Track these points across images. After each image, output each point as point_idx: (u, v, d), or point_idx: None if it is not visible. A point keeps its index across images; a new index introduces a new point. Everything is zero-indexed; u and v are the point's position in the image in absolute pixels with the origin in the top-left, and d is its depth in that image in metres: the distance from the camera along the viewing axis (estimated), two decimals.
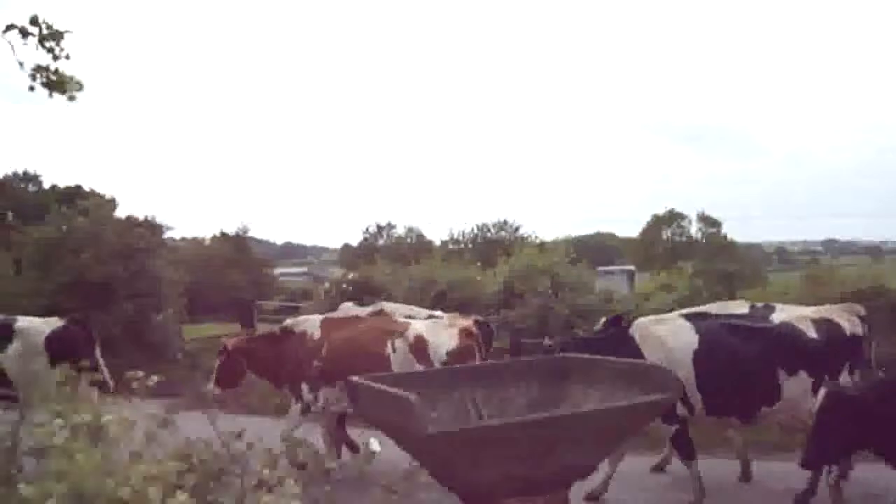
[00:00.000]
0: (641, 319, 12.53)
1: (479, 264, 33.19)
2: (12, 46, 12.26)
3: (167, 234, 34.87)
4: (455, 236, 77.77)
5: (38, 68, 12.38)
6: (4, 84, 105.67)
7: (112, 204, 36.89)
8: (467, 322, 13.31)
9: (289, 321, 14.47)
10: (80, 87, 12.89)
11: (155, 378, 5.05)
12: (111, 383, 12.69)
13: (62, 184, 63.92)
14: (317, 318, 14.00)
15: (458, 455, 6.60)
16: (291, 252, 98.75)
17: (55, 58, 12.70)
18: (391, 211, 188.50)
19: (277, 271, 64.38)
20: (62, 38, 12.60)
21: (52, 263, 29.97)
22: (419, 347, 12.71)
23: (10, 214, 50.38)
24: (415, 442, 6.70)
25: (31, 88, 12.94)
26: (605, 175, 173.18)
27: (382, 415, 7.12)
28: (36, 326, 14.58)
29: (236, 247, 42.13)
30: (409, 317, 14.27)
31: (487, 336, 13.78)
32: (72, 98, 13.04)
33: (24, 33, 12.62)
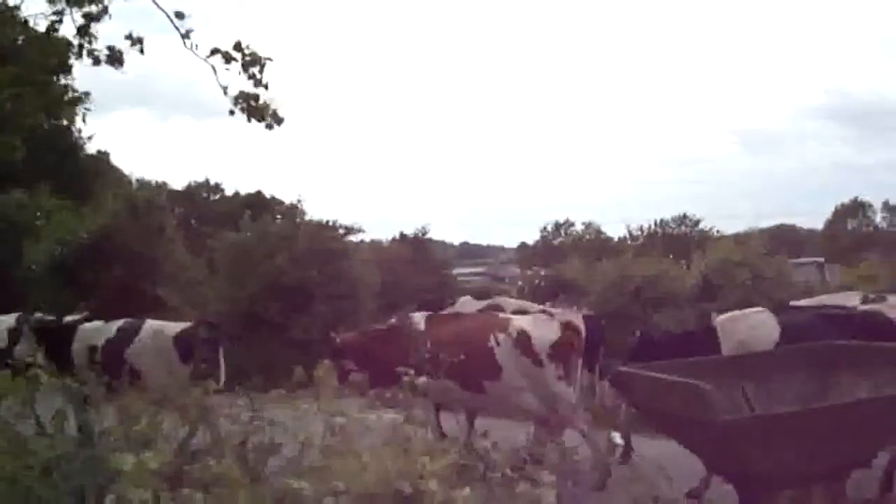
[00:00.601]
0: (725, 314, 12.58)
1: (671, 258, 32.78)
2: (215, 70, 12.99)
3: (358, 237, 35.73)
4: (633, 232, 76.48)
5: (242, 95, 13.06)
6: (192, 101, 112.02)
7: (301, 208, 38.55)
8: (571, 316, 13.57)
9: (394, 319, 14.97)
10: (278, 119, 13.47)
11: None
12: (220, 385, 13.55)
13: (243, 191, 67.08)
14: (422, 315, 14.31)
15: (748, 443, 6.68)
16: (468, 252, 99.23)
17: (256, 84, 13.33)
18: (566, 208, 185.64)
19: (455, 272, 65.19)
20: (264, 65, 13.23)
21: (247, 268, 31.03)
22: (522, 340, 12.87)
23: (193, 222, 53.30)
24: (705, 430, 6.81)
25: (232, 113, 13.61)
26: (779, 164, 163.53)
27: (664, 404, 7.26)
28: (165, 327, 15.63)
29: (416, 248, 42.93)
30: (522, 311, 14.65)
31: (599, 331, 14.07)
32: (269, 127, 13.65)
33: (228, 58, 13.33)
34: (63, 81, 19.68)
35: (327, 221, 34.00)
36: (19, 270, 29.74)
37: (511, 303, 16.69)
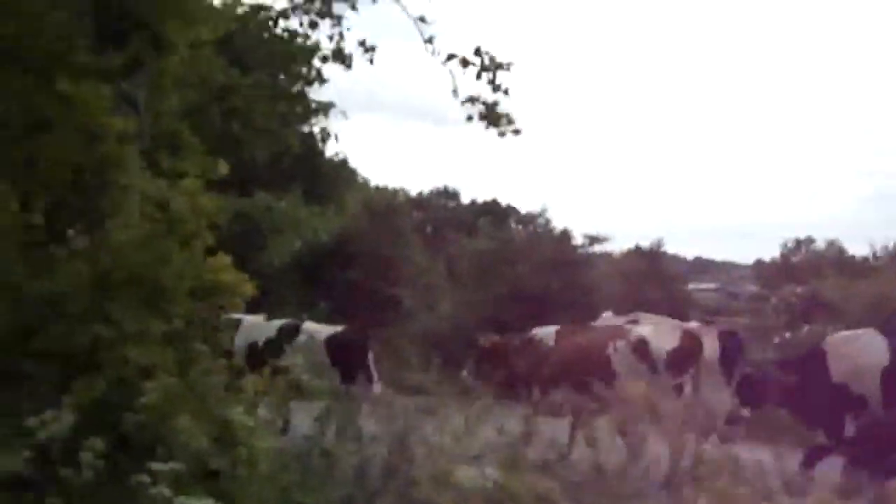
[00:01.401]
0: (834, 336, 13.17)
1: None
2: (452, 75, 13.03)
3: (598, 247, 35.59)
4: (877, 251, 70.45)
5: (477, 100, 13.03)
6: (428, 107, 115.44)
7: (545, 216, 38.83)
8: (694, 326, 14.74)
9: (533, 331, 16.18)
10: (515, 130, 13.37)
11: None
12: (377, 387, 14.83)
13: (480, 199, 68.39)
14: (552, 329, 15.60)
15: None
16: (701, 267, 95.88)
17: (495, 90, 13.25)
18: (802, 225, 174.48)
19: (689, 287, 63.67)
20: (502, 70, 13.12)
21: (489, 275, 31.67)
22: (640, 348, 13.66)
23: (429, 228, 54.72)
24: None
25: (469, 119, 13.64)
26: None
27: None
28: (318, 330, 16.72)
29: (650, 261, 42.13)
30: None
31: (737, 347, 14.44)
32: (502, 134, 13.58)
33: (465, 63, 13.33)
34: (305, 87, 20.62)
35: (569, 230, 34.11)
36: (262, 268, 31.41)
37: (652, 318, 17.04)
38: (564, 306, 30.07)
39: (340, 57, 16.67)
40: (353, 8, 15.44)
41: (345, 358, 15.76)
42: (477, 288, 32.22)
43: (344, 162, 40.14)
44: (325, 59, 18.47)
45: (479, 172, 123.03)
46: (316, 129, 23.61)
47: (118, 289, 7.86)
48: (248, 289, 8.73)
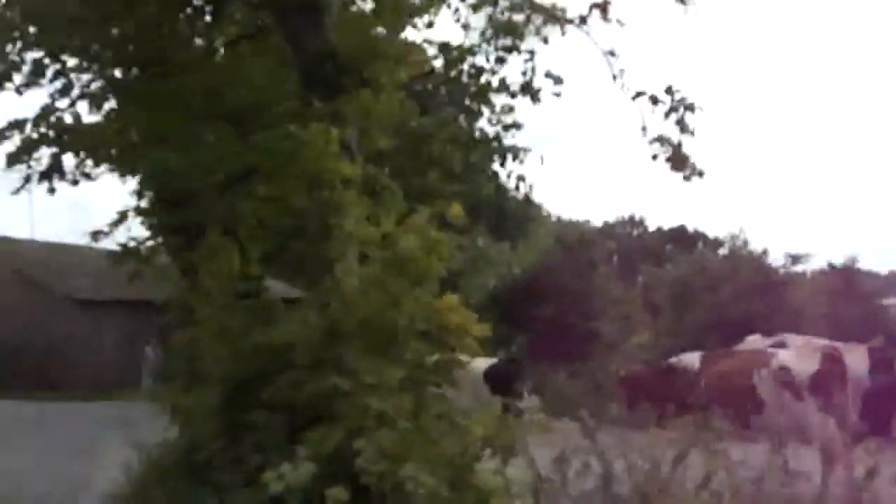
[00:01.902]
0: None
1: None
2: (641, 112, 12.86)
3: (799, 266, 34.40)
4: None
5: (661, 139, 12.84)
6: (608, 139, 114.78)
7: (742, 239, 37.79)
8: (832, 347, 14.23)
9: (673, 359, 16.17)
10: (698, 172, 13.10)
11: None
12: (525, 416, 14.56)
13: (666, 225, 67.26)
14: (696, 355, 15.48)
15: None
16: None
17: (682, 130, 13.01)
18: None
19: (886, 302, 60.70)
20: (692, 111, 12.87)
21: (687, 302, 31.18)
22: (782, 375, 13.43)
23: (615, 258, 54.24)
24: None
25: (654, 158, 13.46)
26: None
27: None
28: (478, 362, 16.92)
29: (845, 279, 40.26)
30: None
31: (889, 361, 14.14)
32: (687, 178, 13.31)
33: (655, 101, 13.13)
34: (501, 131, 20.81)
35: (767, 251, 33.41)
36: None
37: (797, 339, 17.11)
38: (766, 329, 29.22)
39: (529, 90, 16.67)
40: (545, 42, 15.47)
41: (502, 386, 16.46)
42: (676, 316, 31.62)
43: (528, 197, 40.35)
44: (513, 95, 18.59)
45: (659, 198, 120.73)
46: (507, 173, 23.78)
47: (349, 336, 7.82)
48: (479, 329, 8.53)
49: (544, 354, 27.56)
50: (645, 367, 17.47)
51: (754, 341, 18.01)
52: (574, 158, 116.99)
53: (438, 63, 17.35)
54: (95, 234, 13.44)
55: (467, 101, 21.79)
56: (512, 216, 35.84)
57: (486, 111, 20.96)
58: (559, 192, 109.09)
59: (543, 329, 28.20)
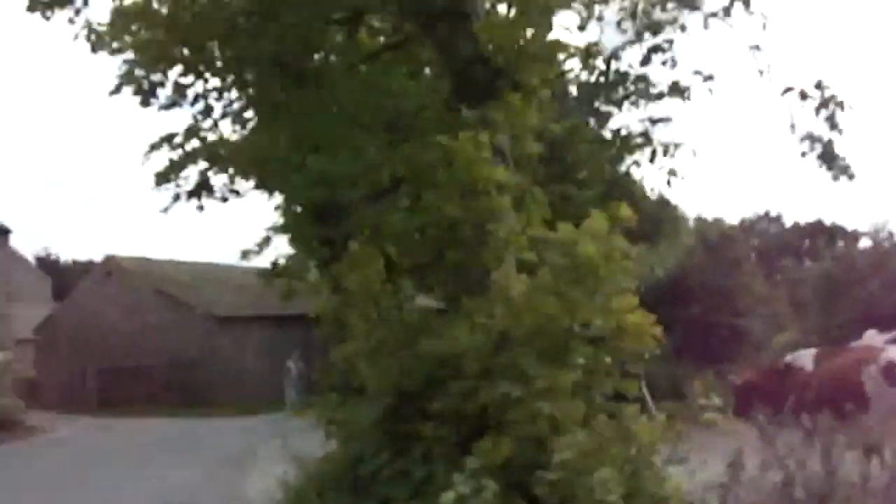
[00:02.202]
0: None
1: None
2: (789, 108, 12.42)
3: None
4: None
5: (811, 137, 12.39)
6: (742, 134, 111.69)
7: (886, 230, 36.25)
8: None
9: (788, 356, 15.87)
10: (849, 174, 12.63)
11: None
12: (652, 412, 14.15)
13: (803, 220, 65.54)
14: (810, 352, 15.27)
15: None
16: None
17: (831, 127, 12.54)
18: None
19: None
20: (841, 108, 12.38)
21: (836, 298, 30.24)
22: (889, 371, 13.38)
23: (752, 254, 52.99)
24: None
25: (803, 155, 12.99)
26: None
27: None
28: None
29: None
30: None
31: None
32: (835, 178, 12.78)
33: (804, 96, 12.69)
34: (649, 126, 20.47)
35: None
36: None
37: None
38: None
39: (678, 90, 16.32)
40: (682, 30, 15.12)
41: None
42: (823, 312, 30.55)
43: (662, 196, 39.73)
44: (660, 96, 18.24)
45: (785, 193, 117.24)
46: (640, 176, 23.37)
47: (519, 343, 7.68)
48: (657, 332, 8.27)
49: (691, 355, 26.98)
50: (759, 370, 16.99)
51: (870, 337, 17.22)
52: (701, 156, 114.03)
53: (571, 64, 17.17)
54: (245, 254, 13.73)
55: (598, 104, 21.55)
56: (649, 216, 35.25)
57: (628, 108, 20.64)
58: (688, 190, 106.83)
59: (690, 329, 27.57)
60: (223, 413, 33.39)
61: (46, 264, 71.77)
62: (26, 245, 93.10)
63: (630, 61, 17.21)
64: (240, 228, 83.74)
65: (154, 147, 11.20)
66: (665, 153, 19.41)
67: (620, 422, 7.71)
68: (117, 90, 11.18)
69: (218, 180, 11.83)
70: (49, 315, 44.70)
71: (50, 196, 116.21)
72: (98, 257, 46.23)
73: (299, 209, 11.92)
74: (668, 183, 19.92)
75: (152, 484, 17.06)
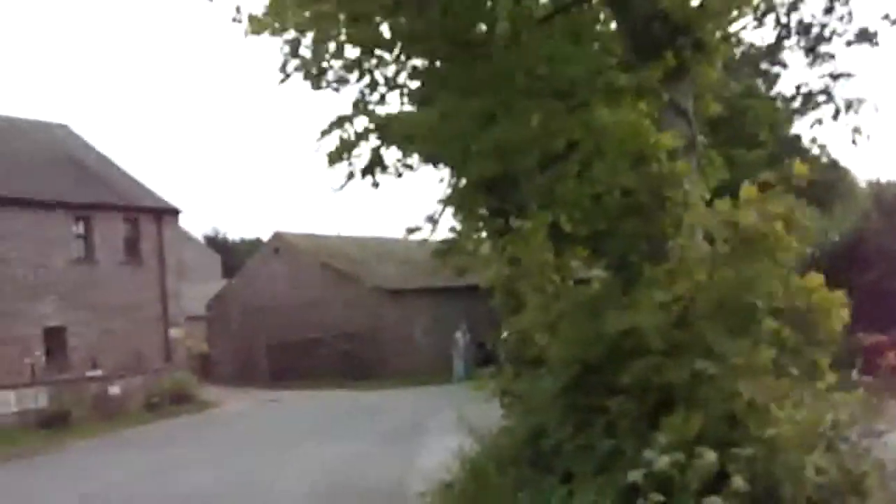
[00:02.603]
0: None
1: None
2: None
3: None
4: None
5: None
6: None
7: None
8: None
9: None
10: None
11: None
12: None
13: None
14: None
15: None
16: None
17: None
18: None
19: None
20: None
21: None
22: None
23: None
24: None
25: None
26: None
27: None
28: None
29: None
30: None
31: None
32: None
33: None
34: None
35: None
36: None
37: None
38: None
39: (865, 36, 15.43)
40: None
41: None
42: None
43: (834, 159, 38.18)
44: (848, 44, 17.34)
45: None
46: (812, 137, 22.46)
47: (702, 317, 7.42)
48: (844, 310, 7.88)
49: (867, 322, 25.73)
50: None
51: None
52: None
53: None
54: (411, 230, 13.78)
55: (762, 65, 20.69)
56: (822, 179, 33.88)
57: (808, 65, 19.68)
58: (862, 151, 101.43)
59: (867, 296, 26.26)
60: (392, 385, 34.13)
61: (216, 243, 74.91)
62: (196, 225, 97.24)
63: (811, 11, 16.40)
64: (407, 202, 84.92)
65: (325, 132, 11.33)
66: (848, 110, 18.44)
67: (817, 397, 7.40)
68: (286, 77, 11.35)
69: (390, 156, 11.88)
70: (219, 292, 46.79)
71: (219, 176, 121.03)
72: (266, 235, 47.80)
73: (467, 181, 11.89)
74: (854, 142, 18.91)
75: (326, 455, 17.53)
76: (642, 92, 9.02)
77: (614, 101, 9.21)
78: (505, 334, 11.15)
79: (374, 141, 11.49)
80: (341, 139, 11.53)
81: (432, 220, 13.34)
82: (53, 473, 18.77)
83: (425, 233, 13.04)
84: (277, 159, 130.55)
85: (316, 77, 11.52)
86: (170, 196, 34.76)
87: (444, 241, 13.00)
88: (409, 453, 16.79)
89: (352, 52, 11.32)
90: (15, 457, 21.46)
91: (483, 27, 10.32)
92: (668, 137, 8.42)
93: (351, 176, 11.66)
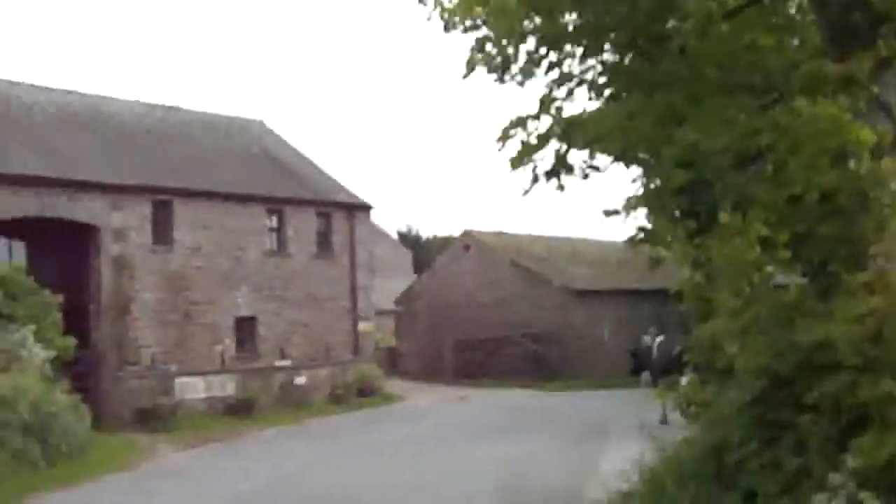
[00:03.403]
0: None
1: None
2: None
3: None
4: None
5: None
6: None
7: None
8: None
9: None
10: None
11: None
12: None
13: None
14: None
15: None
16: None
17: None
18: None
19: None
20: None
21: None
22: None
23: None
24: None
25: None
26: None
27: None
28: None
29: None
30: None
31: None
32: None
33: None
34: None
35: None
36: None
37: None
38: None
39: None
40: None
41: None
42: None
43: None
44: None
45: None
46: None
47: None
48: None
49: None
50: None
51: None
52: None
53: None
54: (607, 212, 13.50)
55: None
56: None
57: None
58: None
59: None
60: (577, 387, 34.00)
61: (408, 239, 76.47)
62: (389, 221, 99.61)
63: None
64: (595, 201, 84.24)
65: (506, 133, 11.31)
66: None
67: None
68: (470, 70, 11.43)
69: (576, 157, 11.74)
70: (409, 287, 47.90)
71: (413, 174, 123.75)
72: (457, 232, 48.43)
73: (660, 181, 11.61)
74: None
75: (507, 454, 17.61)
76: (846, 84, 8.55)
77: (813, 94, 8.76)
78: (693, 341, 10.87)
79: (557, 143, 11.41)
80: (522, 143, 11.49)
81: (629, 206, 13.06)
82: (240, 458, 19.79)
83: (620, 219, 12.74)
84: (469, 157, 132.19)
85: (501, 70, 11.53)
86: (364, 193, 35.83)
87: (640, 228, 12.61)
88: (589, 458, 16.66)
89: (538, 45, 11.28)
90: (206, 441, 22.86)
91: (672, 21, 10.09)
92: (871, 133, 7.97)
93: (535, 179, 11.58)
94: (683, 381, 15.29)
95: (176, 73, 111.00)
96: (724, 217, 10.04)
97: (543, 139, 11.23)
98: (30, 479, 16.31)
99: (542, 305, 39.21)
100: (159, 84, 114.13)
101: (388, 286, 46.49)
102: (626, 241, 11.46)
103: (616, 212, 11.38)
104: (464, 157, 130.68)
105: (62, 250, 27.12)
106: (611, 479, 11.53)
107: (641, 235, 11.62)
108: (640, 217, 12.60)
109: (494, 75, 11.32)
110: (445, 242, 59.24)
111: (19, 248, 27.25)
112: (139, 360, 27.11)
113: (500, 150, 11.41)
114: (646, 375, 32.04)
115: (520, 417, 25.90)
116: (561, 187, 11.37)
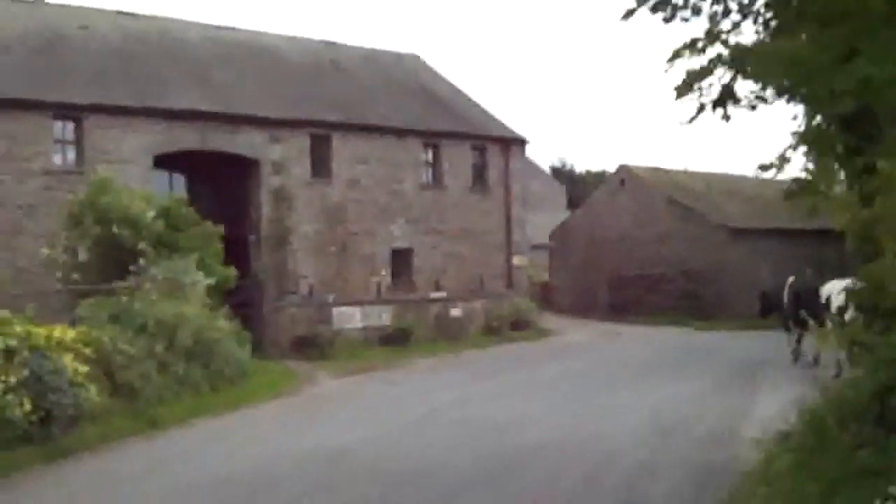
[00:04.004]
0: None
1: None
2: None
3: None
4: None
5: None
6: None
7: None
8: None
9: None
10: None
11: None
12: None
13: None
14: None
15: None
16: None
17: None
18: None
19: None
20: None
21: None
22: None
23: None
24: None
25: None
26: None
27: None
28: None
29: None
30: None
31: None
32: None
33: None
34: None
35: None
36: None
37: None
38: None
39: None
40: None
41: None
42: None
43: None
44: None
45: None
46: None
47: None
48: None
49: None
50: None
51: None
52: None
53: None
54: (764, 168, 13.36)
55: None
56: None
57: None
58: None
59: None
60: (731, 328, 33.57)
61: (562, 174, 76.24)
62: (543, 156, 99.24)
63: None
64: (754, 138, 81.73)
65: (675, 55, 11.21)
66: None
67: None
68: (630, 13, 11.33)
69: (743, 88, 11.57)
70: (563, 222, 47.96)
71: (568, 108, 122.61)
72: (612, 167, 48.00)
73: (823, 118, 11.38)
74: None
75: (662, 393, 17.67)
76: None
77: None
78: (859, 282, 10.72)
79: (725, 72, 11.28)
80: (687, 72, 11.42)
81: (783, 159, 12.86)
82: (398, 387, 20.68)
83: (776, 171, 12.54)
84: (624, 92, 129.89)
85: (665, 6, 11.42)
86: (518, 127, 35.88)
87: (796, 181, 12.33)
88: (745, 399, 16.61)
89: None
90: (363, 369, 23.80)
91: None
92: None
93: (701, 108, 11.49)
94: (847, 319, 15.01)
95: (330, 6, 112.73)
96: (887, 161, 9.83)
97: (713, 64, 11.13)
98: (194, 402, 17.24)
99: (698, 243, 38.65)
100: (313, 18, 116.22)
101: (541, 221, 46.68)
102: (784, 195, 11.32)
103: (771, 165, 11.26)
104: (619, 91, 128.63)
105: (221, 183, 28.50)
106: (769, 420, 11.56)
107: (799, 186, 11.48)
108: (795, 168, 12.40)
109: (661, 13, 11.23)
110: (599, 178, 58.80)
111: (180, 180, 28.80)
112: (298, 289, 28.30)
113: (666, 70, 11.36)
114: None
115: (675, 356, 25.81)
116: (727, 117, 11.27)
